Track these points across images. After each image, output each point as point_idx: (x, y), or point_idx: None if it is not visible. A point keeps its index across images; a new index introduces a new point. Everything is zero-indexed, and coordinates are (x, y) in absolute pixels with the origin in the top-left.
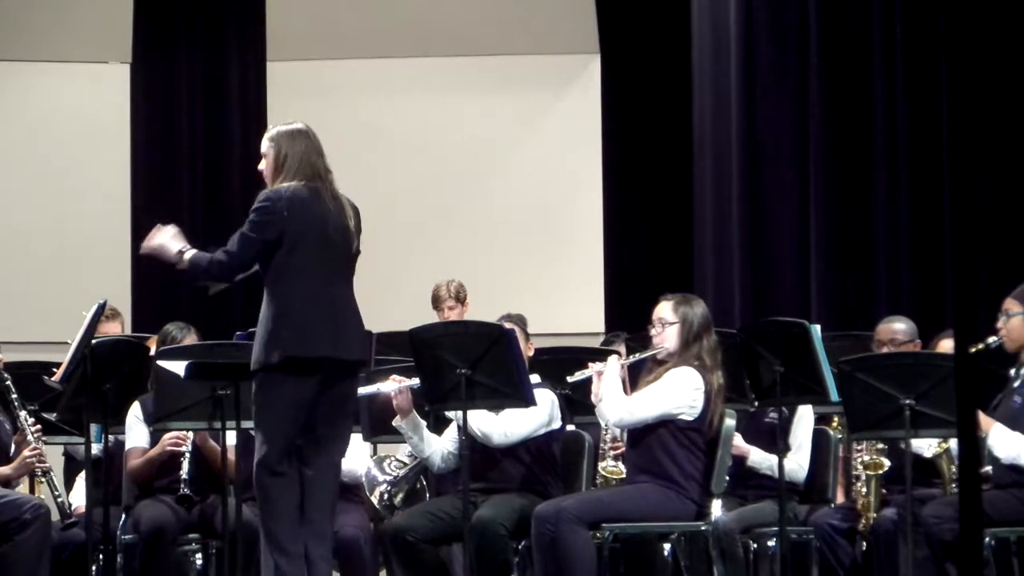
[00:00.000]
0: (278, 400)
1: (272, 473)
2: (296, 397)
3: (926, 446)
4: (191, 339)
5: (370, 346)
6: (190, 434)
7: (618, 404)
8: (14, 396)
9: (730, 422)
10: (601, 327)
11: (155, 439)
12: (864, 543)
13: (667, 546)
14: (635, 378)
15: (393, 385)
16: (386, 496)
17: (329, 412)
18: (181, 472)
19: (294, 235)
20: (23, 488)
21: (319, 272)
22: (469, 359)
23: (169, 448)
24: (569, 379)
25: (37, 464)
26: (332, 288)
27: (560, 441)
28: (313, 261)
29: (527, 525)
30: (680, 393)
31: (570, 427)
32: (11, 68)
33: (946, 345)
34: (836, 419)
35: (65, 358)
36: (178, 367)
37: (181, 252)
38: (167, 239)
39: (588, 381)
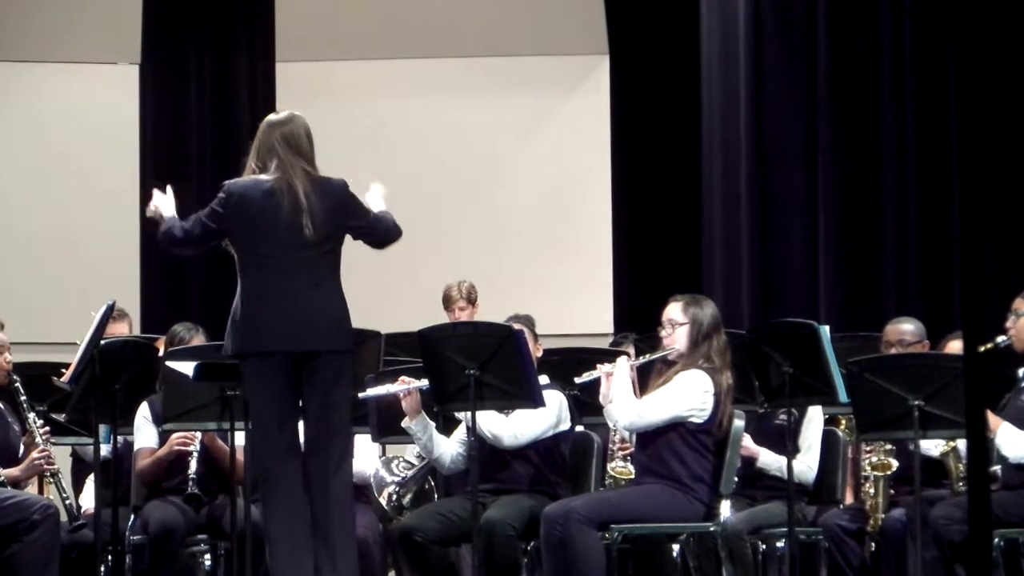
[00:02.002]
0: (251, 393)
1: (261, 463)
2: (263, 389)
3: (934, 447)
4: (199, 340)
5: (379, 346)
6: (198, 433)
7: (628, 407)
8: (23, 398)
9: (739, 423)
10: (610, 328)
11: (163, 440)
12: (873, 544)
13: (676, 547)
14: (644, 379)
15: (402, 387)
16: (395, 497)
17: (315, 406)
18: (189, 471)
19: (241, 230)
20: (31, 489)
21: (267, 266)
22: (478, 360)
23: (177, 447)
24: (577, 380)
25: (46, 466)
26: (282, 281)
27: (569, 442)
28: (260, 255)
29: (536, 526)
30: (690, 396)
31: (579, 428)
32: (20, 69)
33: (954, 345)
34: (844, 420)
35: (74, 359)
36: (187, 368)
37: (162, 219)
38: (165, 202)
39: (596, 382)
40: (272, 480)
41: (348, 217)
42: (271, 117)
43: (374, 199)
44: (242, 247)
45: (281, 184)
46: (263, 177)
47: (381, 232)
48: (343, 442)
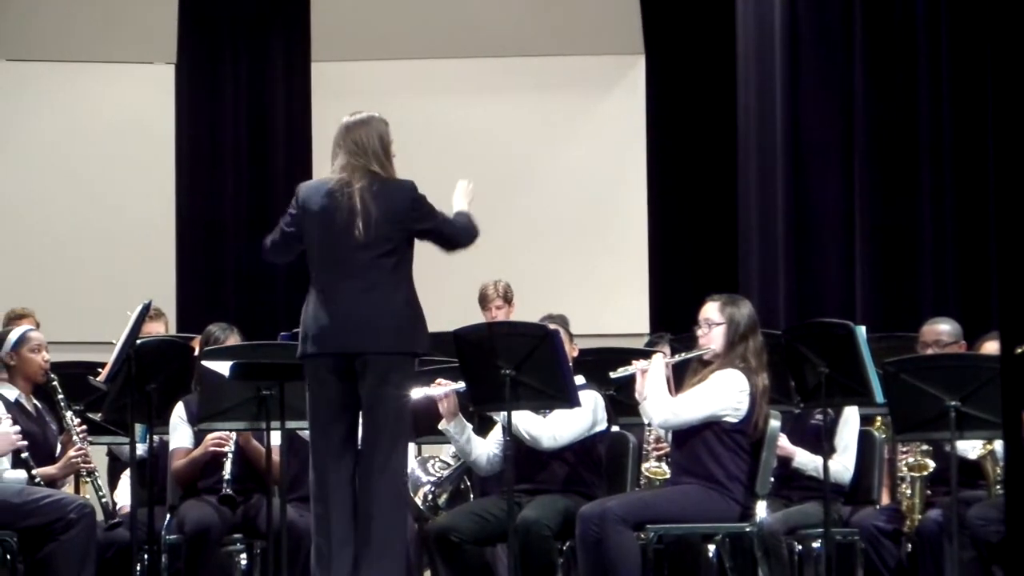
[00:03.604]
0: (309, 393)
1: (313, 462)
2: (317, 390)
3: (971, 448)
4: (233, 339)
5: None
6: (233, 434)
7: (663, 404)
8: (60, 396)
9: (775, 423)
10: (646, 328)
11: (199, 439)
12: (909, 545)
13: (712, 547)
14: (680, 379)
15: (440, 389)
16: (430, 497)
17: (364, 407)
18: (224, 473)
19: (306, 231)
20: (68, 488)
21: (324, 267)
22: (514, 360)
23: (212, 449)
24: (612, 375)
25: (82, 464)
26: (336, 282)
27: (606, 442)
28: (320, 256)
29: (571, 526)
30: (726, 395)
31: (614, 428)
32: (56, 68)
33: (991, 346)
34: (879, 420)
35: (110, 358)
36: (223, 367)
37: None
38: None
39: (632, 379)
40: (322, 479)
41: (411, 220)
42: (347, 117)
43: (457, 197)
44: (307, 248)
45: (340, 185)
46: (329, 177)
47: (448, 235)
48: (390, 444)
